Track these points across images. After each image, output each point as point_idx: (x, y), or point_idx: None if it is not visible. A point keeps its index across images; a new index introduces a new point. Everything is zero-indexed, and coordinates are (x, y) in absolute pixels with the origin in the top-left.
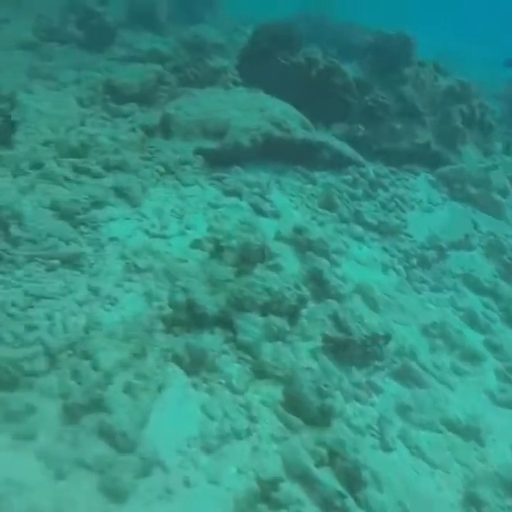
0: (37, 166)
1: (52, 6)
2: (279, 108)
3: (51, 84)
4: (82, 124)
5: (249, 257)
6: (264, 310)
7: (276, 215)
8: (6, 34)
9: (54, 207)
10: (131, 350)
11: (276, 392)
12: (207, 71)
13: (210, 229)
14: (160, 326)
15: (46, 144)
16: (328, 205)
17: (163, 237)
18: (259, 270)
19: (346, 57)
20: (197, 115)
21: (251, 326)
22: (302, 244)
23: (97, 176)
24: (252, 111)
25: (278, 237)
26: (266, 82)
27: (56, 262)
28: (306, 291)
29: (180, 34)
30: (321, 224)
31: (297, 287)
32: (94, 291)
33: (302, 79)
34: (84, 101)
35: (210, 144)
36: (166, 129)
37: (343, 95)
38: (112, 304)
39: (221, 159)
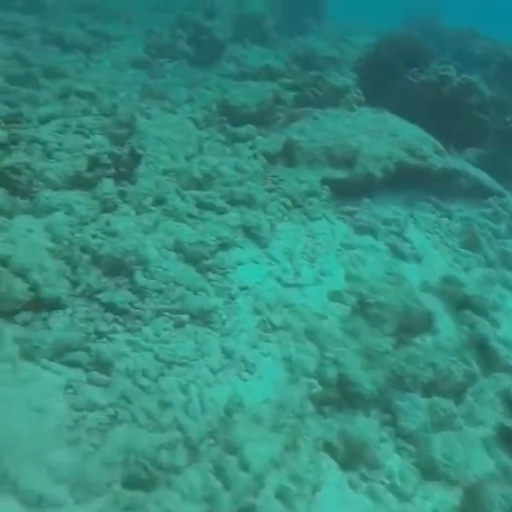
0: (160, 201)
1: (162, 21)
2: (411, 132)
3: (165, 105)
4: (201, 149)
5: (411, 324)
6: (428, 389)
7: (417, 259)
8: (119, 52)
9: (179, 249)
10: (282, 443)
11: (451, 499)
12: (327, 90)
13: (348, 277)
14: (310, 407)
15: (167, 173)
16: (471, 245)
17: (297, 285)
18: (419, 338)
19: (464, 68)
20: (323, 141)
21: (413, 408)
22: (454, 297)
23: (221, 211)
24: (382, 136)
25: (425, 287)
26: (390, 101)
27: (185, 317)
28: (474, 366)
29: (289, 46)
30: (467, 269)
31: (464, 360)
32: (229, 354)
33: (432, 98)
34: (200, 122)
35: (338, 174)
36: (289, 155)
37: (478, 115)
38: (249, 372)
39: (350, 190)
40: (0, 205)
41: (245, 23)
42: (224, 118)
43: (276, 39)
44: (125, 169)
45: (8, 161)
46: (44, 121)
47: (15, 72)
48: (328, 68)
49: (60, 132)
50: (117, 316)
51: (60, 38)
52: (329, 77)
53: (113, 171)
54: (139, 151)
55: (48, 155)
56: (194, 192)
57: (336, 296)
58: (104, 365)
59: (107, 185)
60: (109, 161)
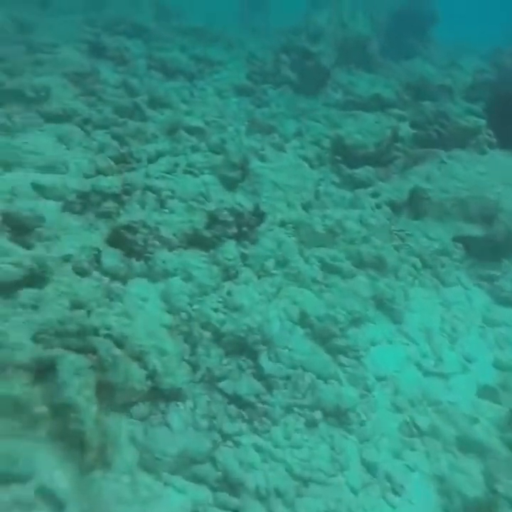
0: (282, 263)
1: (263, 45)
2: None
3: (275, 140)
4: (317, 195)
5: None
6: None
7: None
8: (221, 77)
9: (305, 323)
10: None
11: None
12: (453, 128)
13: (497, 365)
14: None
15: (285, 224)
16: None
17: (441, 375)
18: None
19: None
20: (454, 191)
21: None
22: None
23: (348, 275)
24: None
25: None
26: None
27: (318, 414)
28: None
29: (396, 71)
30: None
31: None
32: (370, 467)
33: None
34: (313, 161)
35: (474, 230)
36: (416, 206)
37: None
38: (395, 493)
39: (487, 250)
40: (115, 268)
41: (350, 47)
42: (338, 157)
43: (381, 63)
44: (247, 229)
45: (124, 219)
46: (153, 159)
47: (122, 103)
48: (442, 98)
49: (168, 173)
50: (242, 411)
51: (164, 64)
52: (452, 113)
53: (234, 230)
54: (263, 209)
55: (162, 204)
56: (317, 251)
57: (487, 393)
58: (232, 484)
59: (229, 249)
60: (230, 219)
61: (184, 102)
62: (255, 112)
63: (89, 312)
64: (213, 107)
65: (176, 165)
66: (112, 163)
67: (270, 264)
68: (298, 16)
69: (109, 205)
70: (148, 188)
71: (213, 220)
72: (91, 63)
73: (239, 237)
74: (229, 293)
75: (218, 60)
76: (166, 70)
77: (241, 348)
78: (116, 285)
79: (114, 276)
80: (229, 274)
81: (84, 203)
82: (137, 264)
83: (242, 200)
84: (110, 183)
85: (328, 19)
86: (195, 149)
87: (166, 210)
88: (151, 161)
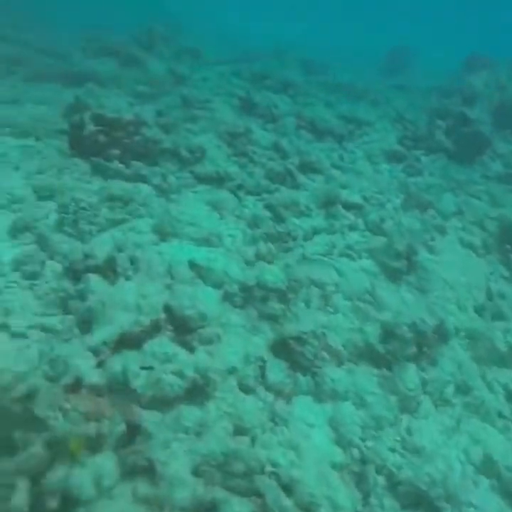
0: (463, 390)
1: (411, 103)
2: None
3: (435, 220)
4: (490, 295)
5: None
6: None
7: None
8: (371, 139)
9: (490, 471)
10: None
11: None
12: None
13: None
14: None
15: (458, 333)
16: None
17: None
18: None
19: None
20: None
21: None
22: None
23: None
24: None
25: None
26: None
27: None
28: None
29: None
30: None
31: None
32: None
33: None
34: (478, 249)
35: None
36: None
37: None
38: None
39: None
40: (280, 384)
41: (507, 111)
42: (507, 245)
43: None
44: (428, 349)
45: (292, 327)
46: (308, 237)
47: (273, 166)
48: None
49: (325, 255)
50: None
51: (313, 122)
52: None
53: (414, 349)
54: (447, 326)
55: (326, 301)
56: (500, 374)
57: None
58: None
59: (409, 376)
60: (409, 335)
61: (334, 166)
62: (408, 181)
63: (253, 440)
64: (366, 176)
65: (333, 246)
66: (271, 245)
67: (449, 390)
68: (441, 75)
69: (275, 305)
70: (311, 282)
71: (389, 333)
72: (244, 122)
73: (418, 358)
74: (408, 431)
75: (366, 121)
76: (314, 130)
77: (418, 501)
78: (281, 405)
79: (278, 393)
80: (408, 406)
81: (247, 296)
82: (303, 380)
83: (424, 314)
84: (274, 276)
85: (485, 81)
86: (352, 228)
87: (331, 310)
88: (306, 238)
